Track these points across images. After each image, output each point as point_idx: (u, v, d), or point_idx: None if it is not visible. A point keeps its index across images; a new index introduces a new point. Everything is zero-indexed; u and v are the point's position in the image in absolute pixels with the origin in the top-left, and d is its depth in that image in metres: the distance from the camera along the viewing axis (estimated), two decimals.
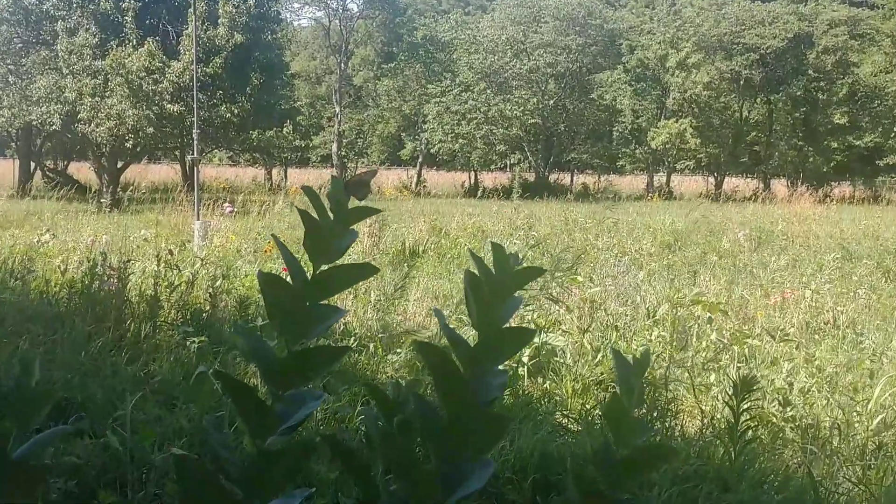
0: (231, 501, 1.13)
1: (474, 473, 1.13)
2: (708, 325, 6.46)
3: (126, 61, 22.41)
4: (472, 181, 40.26)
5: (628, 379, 1.18)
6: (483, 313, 1.20)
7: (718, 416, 4.82)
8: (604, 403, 4.82)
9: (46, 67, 24.07)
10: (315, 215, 1.24)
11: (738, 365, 5.74)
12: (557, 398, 5.29)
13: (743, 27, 39.16)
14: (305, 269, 1.24)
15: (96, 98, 22.46)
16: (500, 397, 1.16)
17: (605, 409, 1.17)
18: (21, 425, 1.09)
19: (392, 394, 1.25)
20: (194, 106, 15.14)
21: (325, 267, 1.23)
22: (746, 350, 5.99)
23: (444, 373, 1.17)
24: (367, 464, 1.20)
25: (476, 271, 1.22)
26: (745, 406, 4.02)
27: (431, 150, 41.52)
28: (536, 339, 5.73)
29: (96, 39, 22.93)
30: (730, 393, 4.06)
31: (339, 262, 1.25)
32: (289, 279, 1.24)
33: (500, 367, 1.24)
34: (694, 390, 5.19)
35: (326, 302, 1.25)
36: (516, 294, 1.24)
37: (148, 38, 23.19)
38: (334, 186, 1.24)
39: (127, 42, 23.19)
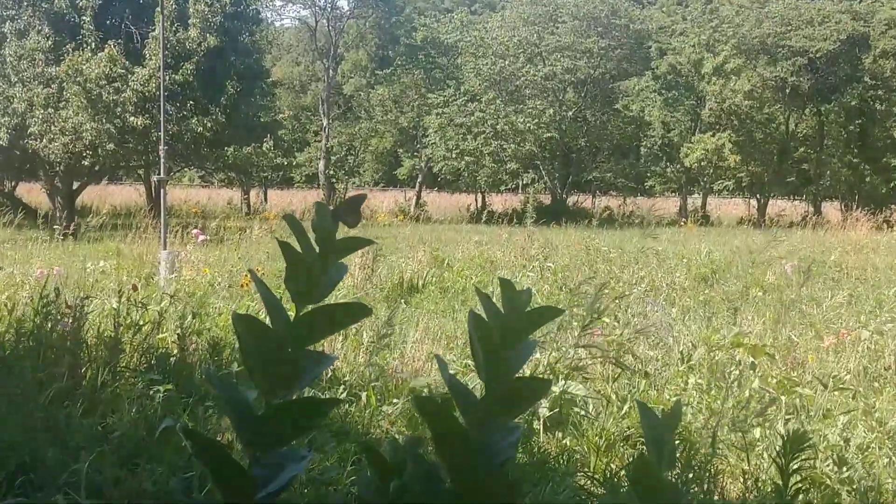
0: None
1: None
2: (751, 372, 6.44)
3: (83, 67, 22.54)
4: (480, 204, 40.30)
5: (657, 436, 1.17)
6: (491, 361, 1.19)
7: (764, 478, 4.81)
8: (630, 464, 4.81)
9: None
10: (298, 248, 1.24)
11: (787, 418, 5.72)
12: (578, 456, 5.27)
13: (789, 28, 39.29)
14: (288, 308, 1.23)
15: (49, 110, 22.59)
16: (511, 458, 1.15)
17: (631, 472, 1.16)
18: None
19: (389, 453, 1.24)
20: (161, 118, 15.22)
21: (309, 308, 1.23)
22: (796, 400, 5.97)
23: (445, 431, 1.16)
24: None
25: (482, 312, 1.21)
26: (795, 466, 4.01)
27: (433, 169, 41.65)
28: (555, 388, 5.72)
29: (49, 42, 23.10)
30: (777, 450, 4.05)
31: (326, 300, 1.25)
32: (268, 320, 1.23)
33: (513, 420, 1.23)
34: (736, 448, 5.17)
35: (312, 347, 1.24)
36: (529, 338, 1.23)
37: (109, 42, 23.33)
38: (320, 214, 1.24)
39: (85, 46, 23.33)
